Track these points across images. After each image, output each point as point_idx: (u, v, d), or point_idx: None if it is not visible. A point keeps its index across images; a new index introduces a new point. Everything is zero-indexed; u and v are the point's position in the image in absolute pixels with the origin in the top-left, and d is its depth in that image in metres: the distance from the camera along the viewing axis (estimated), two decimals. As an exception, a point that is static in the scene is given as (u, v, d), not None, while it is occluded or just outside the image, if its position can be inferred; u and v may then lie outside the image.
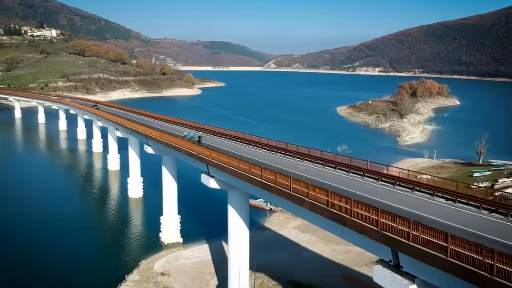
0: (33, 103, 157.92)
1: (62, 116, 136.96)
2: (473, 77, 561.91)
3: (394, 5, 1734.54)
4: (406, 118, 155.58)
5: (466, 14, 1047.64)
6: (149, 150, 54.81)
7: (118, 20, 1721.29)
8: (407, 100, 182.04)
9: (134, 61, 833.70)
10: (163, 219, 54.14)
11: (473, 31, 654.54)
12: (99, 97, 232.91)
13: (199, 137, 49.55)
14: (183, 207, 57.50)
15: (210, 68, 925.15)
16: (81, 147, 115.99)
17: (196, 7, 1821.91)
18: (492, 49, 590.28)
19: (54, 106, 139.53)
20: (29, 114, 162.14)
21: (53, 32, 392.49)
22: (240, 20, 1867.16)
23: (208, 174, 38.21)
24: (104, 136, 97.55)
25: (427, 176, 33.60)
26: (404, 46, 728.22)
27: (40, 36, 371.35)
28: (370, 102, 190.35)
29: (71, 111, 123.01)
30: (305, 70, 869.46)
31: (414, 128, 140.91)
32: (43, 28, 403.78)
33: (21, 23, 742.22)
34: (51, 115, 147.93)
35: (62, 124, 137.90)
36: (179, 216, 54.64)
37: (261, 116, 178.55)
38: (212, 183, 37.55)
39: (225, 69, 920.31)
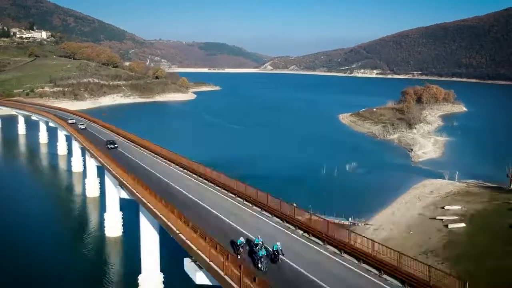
0: (13, 112, 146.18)
1: (42, 127, 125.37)
2: (473, 80, 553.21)
3: (390, 5, 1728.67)
4: (415, 128, 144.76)
5: (464, 16, 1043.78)
6: (122, 193, 43.44)
7: (113, 21, 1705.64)
8: (414, 108, 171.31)
9: (128, 63, 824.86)
10: (141, 278, 42.79)
11: (472, 33, 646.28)
12: (88, 103, 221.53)
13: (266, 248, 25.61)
14: (167, 262, 45.73)
15: (205, 70, 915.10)
16: (61, 164, 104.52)
17: (191, 8, 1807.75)
18: (492, 51, 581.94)
19: (34, 117, 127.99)
20: (9, 123, 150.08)
21: (43, 34, 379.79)
22: (236, 21, 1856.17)
23: (195, 262, 26.42)
24: (85, 154, 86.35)
25: None
26: (402, 48, 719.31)
27: (29, 38, 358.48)
28: (374, 110, 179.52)
29: (51, 124, 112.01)
30: (301, 72, 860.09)
31: (425, 140, 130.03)
32: (33, 29, 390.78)
33: (13, 24, 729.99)
34: (32, 126, 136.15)
35: (43, 137, 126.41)
36: (161, 274, 43.32)
37: (258, 124, 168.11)
38: (199, 278, 25.63)
39: (221, 71, 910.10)
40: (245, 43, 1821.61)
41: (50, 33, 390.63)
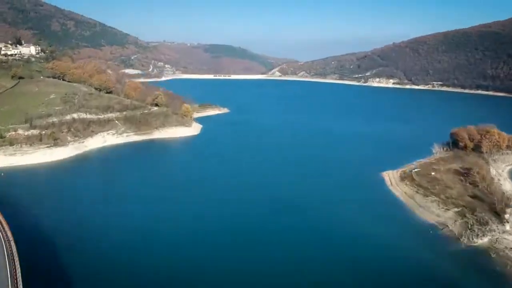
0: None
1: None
2: (501, 93, 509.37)
3: (400, 7, 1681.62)
4: (506, 221, 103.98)
5: (480, 20, 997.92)
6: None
7: (115, 23, 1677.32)
8: (487, 175, 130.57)
9: (128, 70, 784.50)
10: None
11: (496, 40, 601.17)
12: (71, 149, 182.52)
13: None
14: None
15: (211, 76, 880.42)
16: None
17: (196, 8, 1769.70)
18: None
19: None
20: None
21: (32, 49, 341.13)
22: (240, 21, 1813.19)
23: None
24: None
25: None
26: (420, 55, 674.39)
27: (15, 54, 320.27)
28: (433, 173, 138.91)
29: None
30: (311, 79, 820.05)
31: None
32: (21, 44, 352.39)
33: (10, 30, 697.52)
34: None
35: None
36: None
37: (267, 195, 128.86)
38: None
39: (226, 77, 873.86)
40: (251, 44, 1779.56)
41: (39, 48, 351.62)
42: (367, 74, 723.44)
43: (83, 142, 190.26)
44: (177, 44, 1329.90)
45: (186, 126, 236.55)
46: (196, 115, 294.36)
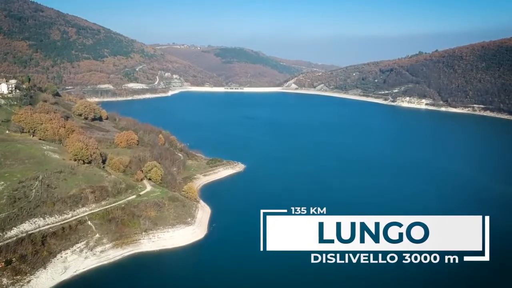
0: None
1: None
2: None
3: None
4: None
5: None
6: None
7: (121, 28, 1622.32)
8: None
9: (132, 85, 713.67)
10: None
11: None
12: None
13: None
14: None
15: (222, 89, 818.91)
16: None
17: (206, 8, 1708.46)
18: None
19: None
20: None
21: (3, 87, 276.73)
22: (251, 21, 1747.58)
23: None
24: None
25: None
26: (456, 72, 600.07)
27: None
28: None
29: None
30: (331, 93, 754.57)
31: None
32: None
33: (4, 41, 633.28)
34: None
35: None
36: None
37: None
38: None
39: (239, 90, 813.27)
40: (261, 42, 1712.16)
41: (14, 84, 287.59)
42: (394, 90, 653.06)
43: (28, 281, 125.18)
44: (186, 47, 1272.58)
45: (188, 222, 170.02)
46: (202, 180, 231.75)
